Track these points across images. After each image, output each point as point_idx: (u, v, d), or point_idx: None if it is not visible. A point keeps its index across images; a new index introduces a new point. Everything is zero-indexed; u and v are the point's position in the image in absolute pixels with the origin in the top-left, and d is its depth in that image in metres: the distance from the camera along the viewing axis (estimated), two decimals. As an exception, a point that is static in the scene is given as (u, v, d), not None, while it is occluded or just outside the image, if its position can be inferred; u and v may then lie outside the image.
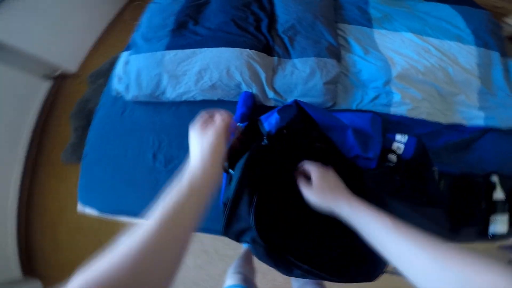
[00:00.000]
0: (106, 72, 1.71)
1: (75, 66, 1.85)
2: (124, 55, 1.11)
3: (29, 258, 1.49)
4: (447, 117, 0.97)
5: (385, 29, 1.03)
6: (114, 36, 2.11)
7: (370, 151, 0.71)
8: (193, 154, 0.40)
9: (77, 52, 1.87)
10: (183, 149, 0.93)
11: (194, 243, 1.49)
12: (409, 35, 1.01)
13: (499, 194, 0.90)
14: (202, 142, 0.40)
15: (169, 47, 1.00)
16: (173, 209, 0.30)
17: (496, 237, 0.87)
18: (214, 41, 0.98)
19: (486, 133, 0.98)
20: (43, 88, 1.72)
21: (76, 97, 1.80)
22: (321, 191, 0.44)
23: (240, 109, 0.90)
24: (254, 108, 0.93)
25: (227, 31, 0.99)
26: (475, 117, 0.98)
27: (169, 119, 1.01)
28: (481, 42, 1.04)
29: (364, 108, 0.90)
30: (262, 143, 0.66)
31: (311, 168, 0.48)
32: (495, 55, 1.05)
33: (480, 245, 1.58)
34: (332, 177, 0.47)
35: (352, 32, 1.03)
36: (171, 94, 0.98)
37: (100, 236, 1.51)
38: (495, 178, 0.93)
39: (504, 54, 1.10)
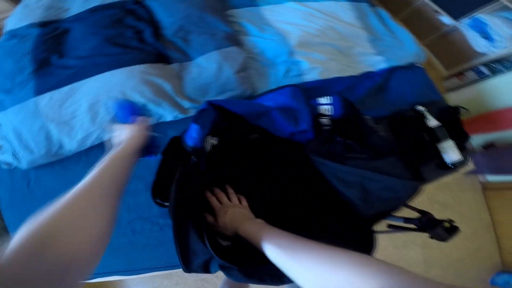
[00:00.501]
0: None
1: None
2: None
3: None
4: (356, 69, 1.06)
5: (270, 3, 1.08)
6: None
7: (302, 123, 0.70)
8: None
9: None
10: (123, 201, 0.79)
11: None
12: (292, 4, 1.09)
13: (432, 121, 1.03)
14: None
15: (39, 91, 0.84)
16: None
17: (457, 165, 0.97)
18: (93, 69, 0.85)
19: (393, 72, 1.11)
20: None
21: None
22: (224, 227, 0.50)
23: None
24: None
25: (105, 54, 0.87)
26: (377, 62, 1.11)
27: (83, 173, 0.81)
28: None
29: (281, 85, 0.90)
30: (191, 162, 0.57)
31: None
32: (365, 6, 1.22)
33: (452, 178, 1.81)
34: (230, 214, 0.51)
35: (242, 15, 1.04)
36: (71, 145, 0.83)
37: None
38: (420, 108, 1.06)
39: (372, 4, 1.26)
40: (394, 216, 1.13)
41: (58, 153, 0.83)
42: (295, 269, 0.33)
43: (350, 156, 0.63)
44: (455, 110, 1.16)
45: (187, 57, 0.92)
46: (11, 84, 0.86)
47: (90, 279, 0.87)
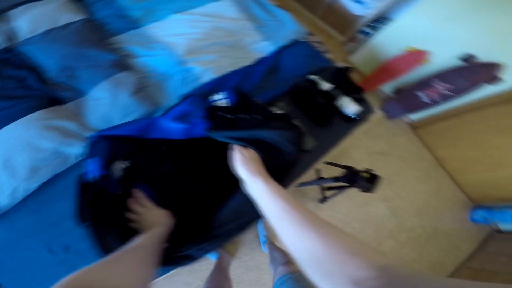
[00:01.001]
0: None
1: None
2: None
3: None
4: (249, 58, 1.18)
5: (154, 21, 1.12)
6: None
7: (193, 119, 0.78)
8: None
9: None
10: (69, 232, 0.83)
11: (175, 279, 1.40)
12: (176, 16, 1.15)
13: (325, 85, 1.19)
14: None
15: None
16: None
17: (358, 115, 1.16)
18: None
19: (281, 52, 1.25)
20: None
21: None
22: (247, 161, 0.57)
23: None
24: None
25: None
26: (266, 46, 1.24)
27: (28, 221, 0.83)
28: None
29: (183, 93, 0.96)
30: (95, 191, 0.63)
31: (239, 148, 0.62)
32: None
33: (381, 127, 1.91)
34: (254, 154, 0.61)
35: (126, 40, 1.07)
36: (2, 200, 0.80)
37: None
38: (313, 77, 1.21)
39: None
40: (325, 178, 1.31)
41: None
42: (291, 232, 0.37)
43: (241, 125, 0.74)
44: (345, 70, 1.37)
45: (79, 93, 0.93)
46: None
47: None
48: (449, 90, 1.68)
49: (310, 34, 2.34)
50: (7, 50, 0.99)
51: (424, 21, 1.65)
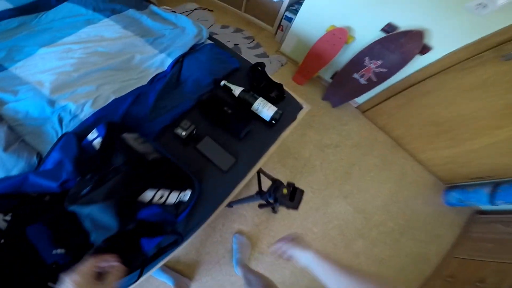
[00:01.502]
0: None
1: None
2: None
3: None
4: (144, 78, 1.07)
5: (19, 60, 0.99)
6: None
7: (63, 174, 0.68)
8: None
9: None
10: None
11: None
12: (44, 50, 1.02)
13: (236, 90, 1.09)
14: None
15: None
16: None
17: (277, 117, 1.02)
18: None
19: (181, 63, 1.14)
20: None
21: None
22: (295, 243, 0.65)
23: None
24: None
25: None
26: (163, 60, 1.13)
27: None
28: (108, 12, 1.17)
29: (64, 132, 0.86)
30: None
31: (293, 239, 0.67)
32: (131, 12, 1.22)
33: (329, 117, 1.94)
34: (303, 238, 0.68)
35: None
36: None
37: None
38: (223, 82, 1.11)
39: (141, 6, 1.28)
40: (249, 197, 1.22)
41: None
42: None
43: (83, 194, 0.64)
44: (259, 66, 1.28)
45: None
46: None
47: None
48: (382, 67, 1.64)
49: (239, 30, 2.28)
50: None
51: None
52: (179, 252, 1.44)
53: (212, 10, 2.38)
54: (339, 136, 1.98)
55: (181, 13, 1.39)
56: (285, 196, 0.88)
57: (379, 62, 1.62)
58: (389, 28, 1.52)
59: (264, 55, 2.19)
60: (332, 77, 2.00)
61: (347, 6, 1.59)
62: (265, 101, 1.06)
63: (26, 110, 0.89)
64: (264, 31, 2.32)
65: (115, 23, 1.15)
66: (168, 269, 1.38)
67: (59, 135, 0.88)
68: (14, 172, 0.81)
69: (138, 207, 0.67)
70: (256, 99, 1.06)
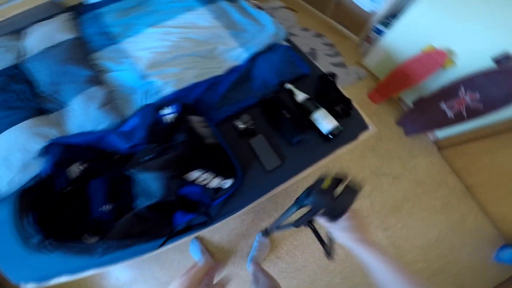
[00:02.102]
0: None
1: None
2: None
3: None
4: (221, 68, 1.17)
5: (130, 36, 1.20)
6: None
7: (133, 139, 0.82)
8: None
9: None
10: None
11: (150, 281, 1.48)
12: (150, 30, 1.20)
13: (300, 96, 1.10)
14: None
15: None
16: None
17: (335, 133, 0.99)
18: None
19: (255, 59, 1.20)
20: None
21: None
22: (357, 231, 0.51)
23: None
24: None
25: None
26: (240, 54, 1.21)
27: None
28: (204, 1, 1.30)
29: (147, 103, 1.03)
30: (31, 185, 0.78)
31: (352, 214, 0.53)
32: (223, 4, 1.33)
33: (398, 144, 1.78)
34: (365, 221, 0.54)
35: (104, 56, 1.17)
36: (2, 187, 0.97)
37: None
38: (288, 85, 1.14)
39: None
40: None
41: None
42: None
43: (143, 161, 0.74)
44: (331, 77, 1.23)
45: (61, 105, 1.05)
46: None
47: (51, 280, 0.98)
48: (478, 102, 1.38)
49: (320, 35, 2.22)
50: (15, 66, 1.19)
51: (445, 12, 1.38)
52: (203, 234, 1.55)
53: (296, 11, 2.37)
54: (403, 168, 1.77)
55: (266, 9, 1.45)
56: (325, 192, 0.49)
57: (477, 96, 1.37)
58: (504, 59, 1.25)
59: (342, 65, 2.08)
60: (414, 102, 1.78)
61: (454, 26, 1.36)
62: (326, 113, 1.03)
63: (123, 80, 1.09)
64: (347, 40, 2.20)
65: (208, 13, 1.27)
66: (206, 250, 1.46)
67: (142, 103, 1.05)
68: (100, 128, 1.00)
69: (183, 184, 0.76)
70: (318, 108, 1.03)
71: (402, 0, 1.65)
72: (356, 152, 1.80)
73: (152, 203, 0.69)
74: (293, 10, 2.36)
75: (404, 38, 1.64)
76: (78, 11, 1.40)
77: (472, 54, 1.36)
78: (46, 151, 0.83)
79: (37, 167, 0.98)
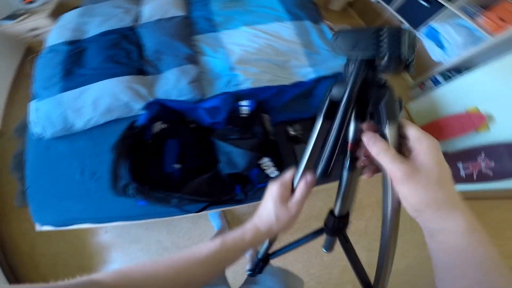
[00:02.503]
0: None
1: None
2: (32, 104, 1.39)
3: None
4: (288, 79, 1.40)
5: (228, 29, 1.45)
6: (23, 89, 2.29)
7: (217, 118, 1.09)
8: (263, 219, 0.40)
9: None
10: (101, 163, 1.19)
11: (152, 244, 1.74)
12: (244, 28, 1.44)
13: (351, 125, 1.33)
14: (276, 222, 0.39)
15: (65, 89, 1.31)
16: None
17: None
18: (98, 77, 1.31)
19: (320, 81, 1.41)
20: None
21: (9, 153, 1.94)
22: (436, 185, 0.28)
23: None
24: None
25: (106, 68, 1.33)
26: (308, 73, 1.42)
27: (85, 144, 1.30)
28: (293, 16, 1.51)
29: (223, 91, 1.28)
30: (132, 132, 1.06)
31: (418, 136, 0.30)
32: (307, 24, 1.52)
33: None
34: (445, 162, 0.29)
35: (204, 40, 1.43)
36: (79, 124, 1.28)
37: (77, 260, 1.68)
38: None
39: (316, 21, 1.57)
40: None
41: (70, 129, 1.27)
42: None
43: (228, 137, 1.01)
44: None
45: (158, 71, 1.33)
46: (48, 84, 1.34)
47: (70, 225, 1.24)
48: (490, 169, 1.53)
49: None
50: (130, 28, 1.49)
51: (502, 81, 1.47)
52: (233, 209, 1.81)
53: None
54: (402, 226, 1.95)
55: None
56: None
57: (492, 164, 1.51)
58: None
59: None
60: None
61: (506, 95, 1.46)
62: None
63: (215, 65, 1.36)
64: (402, 80, 2.31)
65: (293, 28, 1.49)
66: (224, 217, 1.67)
67: (221, 89, 1.32)
68: (183, 99, 1.25)
69: (256, 164, 1.01)
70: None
71: (472, 59, 1.73)
72: (370, 181, 1.98)
73: (232, 172, 0.95)
74: None
75: (456, 95, 1.74)
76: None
77: (507, 124, 1.49)
78: (147, 106, 1.11)
79: (115, 114, 1.27)
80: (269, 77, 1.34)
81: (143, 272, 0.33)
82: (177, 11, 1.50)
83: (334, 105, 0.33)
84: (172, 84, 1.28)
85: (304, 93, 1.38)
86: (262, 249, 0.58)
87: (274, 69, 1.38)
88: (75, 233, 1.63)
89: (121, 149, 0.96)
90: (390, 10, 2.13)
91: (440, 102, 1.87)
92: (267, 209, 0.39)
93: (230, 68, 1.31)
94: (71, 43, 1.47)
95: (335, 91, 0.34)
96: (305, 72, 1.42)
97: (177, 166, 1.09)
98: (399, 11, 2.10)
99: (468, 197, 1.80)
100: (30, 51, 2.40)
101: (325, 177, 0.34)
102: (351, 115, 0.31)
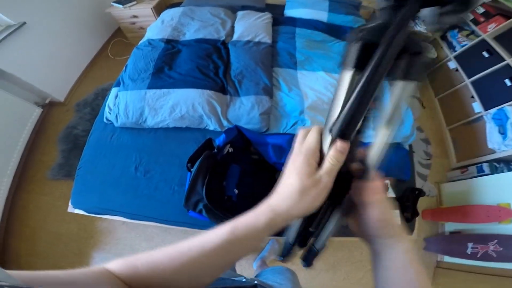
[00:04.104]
0: (91, 102, 2.12)
1: (62, 95, 2.23)
2: (114, 90, 1.54)
3: (3, 264, 1.62)
4: None
5: (306, 70, 1.52)
6: (97, 69, 2.47)
7: (283, 159, 1.19)
8: (285, 197, 0.32)
9: (65, 83, 2.25)
10: (158, 164, 1.33)
11: (164, 244, 1.86)
12: (322, 73, 1.50)
13: (390, 193, 1.38)
14: (302, 200, 0.31)
15: (150, 86, 1.43)
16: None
17: None
18: (183, 84, 1.42)
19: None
20: (34, 113, 2.04)
21: (62, 123, 2.13)
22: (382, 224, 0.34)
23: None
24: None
25: (193, 76, 1.44)
26: (368, 136, 1.47)
27: (148, 141, 1.40)
28: None
29: (287, 131, 1.37)
30: (213, 152, 1.15)
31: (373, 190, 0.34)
32: (385, 84, 1.56)
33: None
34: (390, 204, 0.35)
35: (282, 74, 1.51)
36: (150, 122, 1.39)
37: (80, 244, 1.71)
38: (387, 181, 1.43)
39: (392, 80, 1.62)
40: None
41: (141, 124, 1.36)
42: None
43: None
44: (419, 192, 1.50)
45: (236, 94, 1.41)
46: (137, 77, 1.46)
47: (102, 214, 1.29)
48: (496, 253, 1.56)
49: (427, 141, 2.30)
50: (223, 42, 1.61)
51: None
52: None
53: (424, 107, 2.40)
54: None
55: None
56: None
57: (499, 249, 1.54)
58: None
59: (424, 177, 2.16)
60: (451, 232, 1.96)
61: None
62: (397, 215, 1.32)
63: (285, 103, 1.43)
64: (445, 159, 2.24)
65: None
66: None
67: (285, 129, 1.38)
68: (248, 127, 1.31)
69: None
70: (395, 210, 1.34)
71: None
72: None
73: None
74: (423, 105, 2.42)
75: (494, 186, 1.73)
76: (277, 18, 1.75)
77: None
78: (228, 130, 1.22)
79: (186, 123, 1.36)
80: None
81: (149, 263, 0.31)
82: (266, 37, 1.59)
83: (368, 51, 0.26)
84: (246, 111, 1.37)
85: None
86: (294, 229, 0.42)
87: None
88: (92, 219, 1.64)
89: (203, 166, 1.04)
90: (466, 82, 2.06)
91: (476, 190, 1.85)
92: (290, 185, 0.31)
93: (301, 112, 1.39)
94: (168, 41, 1.60)
95: (370, 32, 0.26)
96: (367, 133, 1.48)
97: (236, 191, 1.17)
98: (475, 84, 2.01)
99: (465, 269, 1.85)
100: (117, 34, 2.56)
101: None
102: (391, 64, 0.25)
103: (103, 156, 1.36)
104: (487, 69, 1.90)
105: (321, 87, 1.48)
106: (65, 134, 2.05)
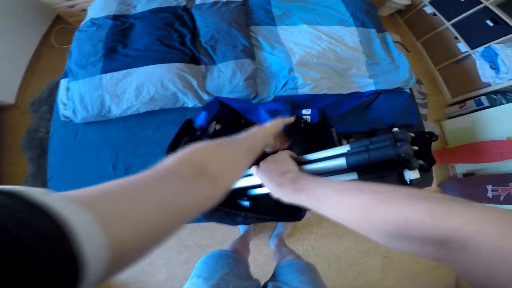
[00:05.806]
0: (47, 99, 1.79)
1: (12, 97, 1.87)
2: (63, 82, 1.25)
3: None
4: (346, 88, 1.28)
5: (286, 24, 1.31)
6: (44, 61, 2.14)
7: None
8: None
9: (10, 82, 1.88)
10: (137, 156, 1.13)
11: (173, 241, 1.68)
12: (304, 26, 1.30)
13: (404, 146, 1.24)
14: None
15: (104, 70, 1.16)
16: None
17: (413, 182, 1.09)
18: (144, 60, 1.16)
19: (379, 95, 1.31)
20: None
21: (21, 128, 1.83)
22: (266, 173, 0.55)
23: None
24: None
25: (154, 50, 1.17)
26: (368, 84, 1.31)
27: (119, 133, 1.18)
28: (359, 22, 1.37)
29: (278, 94, 1.17)
30: (196, 135, 0.93)
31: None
32: (372, 32, 1.40)
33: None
34: (279, 157, 0.61)
35: (261, 32, 1.29)
36: (116, 111, 1.15)
37: None
38: (396, 129, 1.28)
39: (380, 30, 1.46)
40: None
41: (105, 115, 1.14)
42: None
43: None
44: (430, 135, 1.37)
45: (212, 62, 1.18)
46: (86, 62, 1.18)
47: None
48: None
49: (419, 82, 2.24)
50: (184, 8, 1.35)
51: None
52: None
53: (409, 51, 2.34)
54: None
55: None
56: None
57: None
58: None
59: (424, 117, 2.12)
60: (465, 175, 1.91)
61: None
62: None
63: (271, 63, 1.22)
64: (440, 96, 2.21)
65: (357, 34, 1.35)
66: None
67: (277, 91, 1.19)
68: (233, 96, 1.14)
69: None
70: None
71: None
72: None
73: None
74: (407, 49, 2.36)
75: (499, 120, 1.67)
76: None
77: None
78: (207, 106, 0.99)
79: (159, 105, 1.15)
80: (328, 83, 1.23)
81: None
82: (235, -5, 1.36)
83: None
84: (227, 79, 1.15)
85: (362, 105, 1.27)
86: None
87: (333, 76, 1.27)
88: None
89: None
90: (447, 24, 2.00)
91: (480, 125, 1.79)
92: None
93: (290, 70, 1.19)
94: (116, 17, 1.32)
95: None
96: (364, 83, 1.31)
97: None
98: (457, 26, 1.96)
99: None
100: (58, 21, 2.22)
101: None
102: None
103: (72, 160, 1.15)
104: (466, 12, 1.89)
105: (307, 41, 1.28)
106: (28, 140, 1.74)
